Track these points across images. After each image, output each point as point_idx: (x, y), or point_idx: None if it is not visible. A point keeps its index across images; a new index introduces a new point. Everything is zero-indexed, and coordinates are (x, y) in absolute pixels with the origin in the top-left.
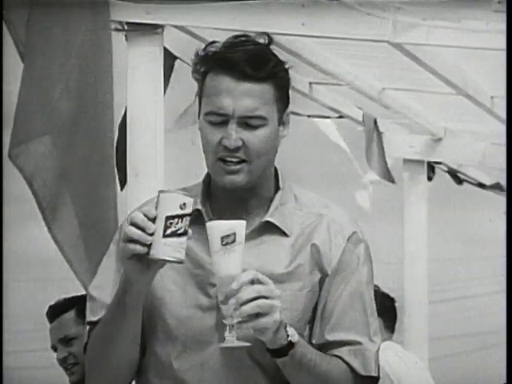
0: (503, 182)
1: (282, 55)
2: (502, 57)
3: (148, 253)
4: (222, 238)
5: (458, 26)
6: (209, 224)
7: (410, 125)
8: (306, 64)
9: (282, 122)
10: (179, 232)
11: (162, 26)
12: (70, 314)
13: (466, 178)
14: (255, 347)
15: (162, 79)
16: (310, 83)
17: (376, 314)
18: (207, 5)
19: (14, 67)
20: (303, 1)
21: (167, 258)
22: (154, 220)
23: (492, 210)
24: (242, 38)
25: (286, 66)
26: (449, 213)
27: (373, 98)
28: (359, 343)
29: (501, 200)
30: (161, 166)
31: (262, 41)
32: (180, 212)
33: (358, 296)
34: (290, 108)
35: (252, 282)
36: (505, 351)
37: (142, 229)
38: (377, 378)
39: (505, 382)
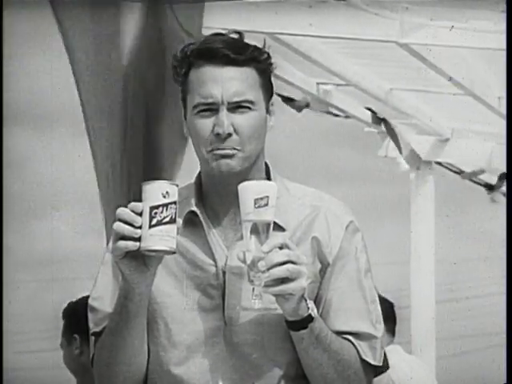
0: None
1: (288, 54)
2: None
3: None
4: (256, 200)
5: (465, 26)
6: (242, 185)
7: (418, 125)
8: (314, 64)
9: (268, 111)
10: (165, 221)
11: None
12: None
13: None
14: (265, 343)
15: None
16: (318, 83)
17: (377, 301)
18: (214, 5)
19: (14, 67)
20: (311, 1)
21: (154, 248)
22: (141, 214)
23: (500, 209)
24: (219, 35)
25: (267, 50)
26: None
27: (380, 99)
28: (363, 332)
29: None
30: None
31: (235, 37)
32: (163, 201)
33: (357, 284)
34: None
35: (280, 247)
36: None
37: (130, 223)
38: (385, 366)
39: (505, 382)
